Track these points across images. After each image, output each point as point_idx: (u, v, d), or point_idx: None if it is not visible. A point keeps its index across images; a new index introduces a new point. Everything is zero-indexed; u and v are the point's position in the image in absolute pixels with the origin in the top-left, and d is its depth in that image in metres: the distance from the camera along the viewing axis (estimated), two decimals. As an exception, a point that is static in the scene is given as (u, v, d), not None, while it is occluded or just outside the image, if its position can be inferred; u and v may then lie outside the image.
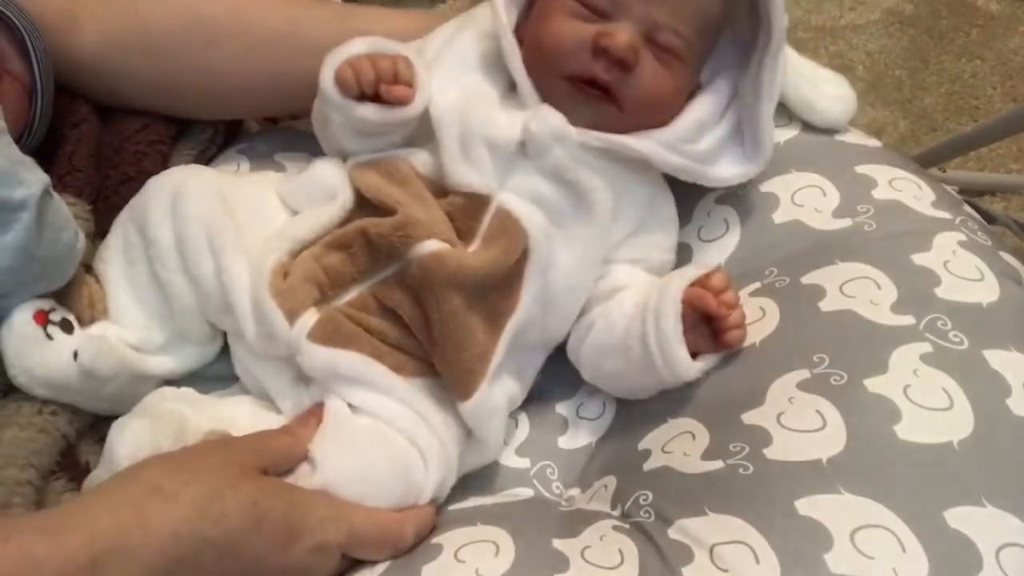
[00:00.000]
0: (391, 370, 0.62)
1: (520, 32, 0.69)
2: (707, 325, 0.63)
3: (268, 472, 0.55)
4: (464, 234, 0.64)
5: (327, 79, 0.64)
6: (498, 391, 0.64)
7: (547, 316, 0.66)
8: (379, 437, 0.60)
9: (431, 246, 0.61)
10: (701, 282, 0.63)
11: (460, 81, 0.68)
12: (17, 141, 0.62)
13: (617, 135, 0.65)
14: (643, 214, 0.69)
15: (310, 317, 0.62)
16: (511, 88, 0.68)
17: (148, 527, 0.48)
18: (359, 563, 0.57)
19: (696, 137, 0.69)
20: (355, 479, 0.57)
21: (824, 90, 0.77)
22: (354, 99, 0.64)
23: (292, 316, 0.62)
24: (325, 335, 0.61)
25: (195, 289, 0.65)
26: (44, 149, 0.73)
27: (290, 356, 0.62)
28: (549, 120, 0.64)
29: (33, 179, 0.59)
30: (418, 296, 0.62)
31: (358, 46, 0.65)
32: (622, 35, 0.63)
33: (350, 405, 0.61)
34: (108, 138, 0.79)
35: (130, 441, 0.57)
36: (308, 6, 0.79)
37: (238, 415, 0.63)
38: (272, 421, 0.63)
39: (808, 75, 0.77)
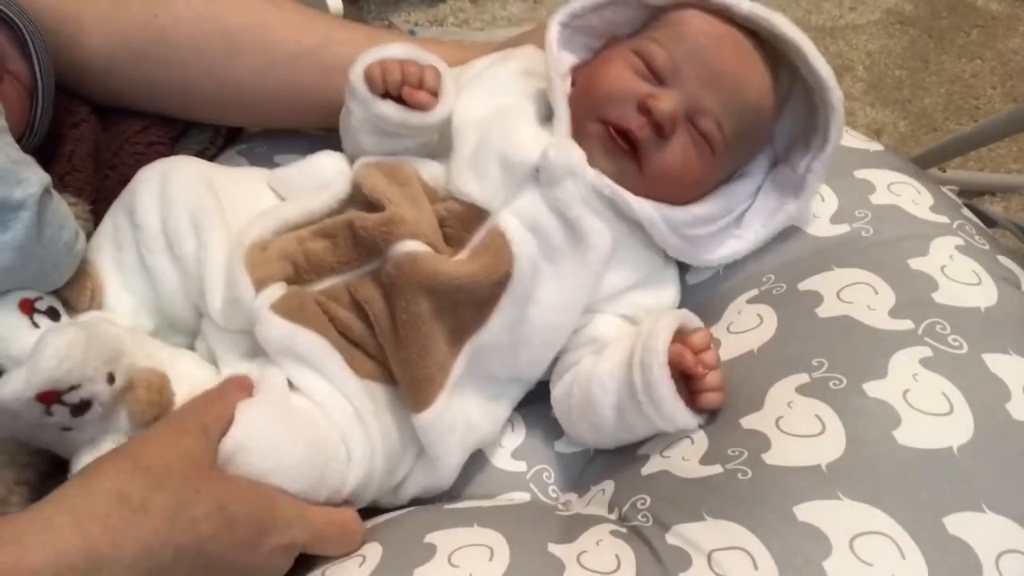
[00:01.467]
0: (345, 363, 0.61)
1: (574, 74, 0.70)
2: (685, 383, 0.61)
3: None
4: (453, 241, 0.64)
5: (357, 73, 0.65)
6: (456, 409, 0.63)
7: (519, 351, 0.66)
8: (308, 419, 0.59)
9: (410, 246, 0.61)
10: (682, 339, 0.62)
11: (493, 101, 0.69)
12: (18, 140, 0.62)
13: (627, 191, 0.65)
14: (642, 275, 0.69)
15: (277, 290, 0.62)
16: (544, 120, 0.68)
17: (119, 543, 0.46)
18: (346, 568, 0.56)
19: (703, 225, 0.69)
20: (268, 449, 0.55)
21: None
22: (378, 96, 0.65)
23: (260, 284, 0.62)
24: (288, 309, 0.61)
25: (179, 271, 0.65)
26: (43, 149, 0.73)
27: (250, 329, 0.62)
28: (570, 153, 0.64)
29: (34, 178, 0.59)
30: (389, 295, 0.61)
31: (394, 50, 0.66)
32: (668, 102, 0.63)
33: (291, 383, 0.60)
34: (107, 139, 0.79)
35: (60, 348, 0.54)
36: (337, 26, 0.79)
37: (177, 363, 0.63)
38: (210, 377, 0.62)
39: None
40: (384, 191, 0.64)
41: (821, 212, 0.70)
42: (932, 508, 0.51)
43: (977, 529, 0.50)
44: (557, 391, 0.68)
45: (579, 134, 0.66)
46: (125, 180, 0.73)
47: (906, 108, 1.59)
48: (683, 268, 0.73)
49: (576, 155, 0.64)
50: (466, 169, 0.65)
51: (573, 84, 0.70)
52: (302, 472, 0.56)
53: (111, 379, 0.56)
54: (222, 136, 0.88)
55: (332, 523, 0.57)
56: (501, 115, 0.67)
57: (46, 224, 0.60)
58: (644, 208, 0.65)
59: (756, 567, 0.50)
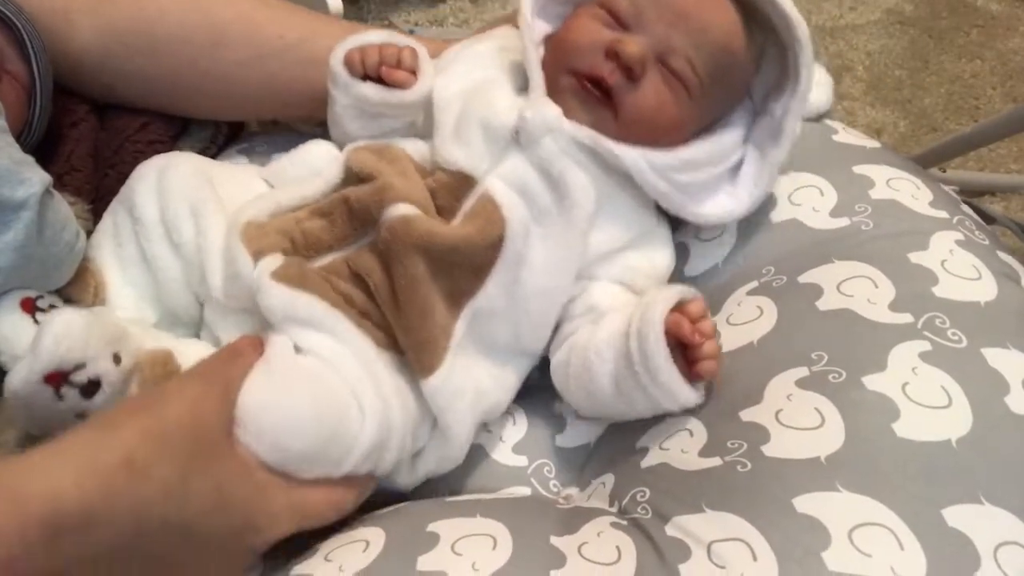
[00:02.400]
0: (352, 323, 0.61)
1: (547, 42, 0.72)
2: (682, 353, 0.61)
3: None
4: (445, 212, 0.65)
5: (337, 58, 0.68)
6: (463, 374, 0.64)
7: (518, 318, 0.66)
8: (317, 375, 0.59)
9: (402, 209, 0.62)
10: (679, 308, 0.61)
11: (471, 76, 0.70)
12: (17, 139, 0.63)
13: (607, 138, 0.65)
14: (632, 235, 0.69)
15: (275, 259, 0.63)
16: (521, 90, 0.69)
17: (112, 505, 0.47)
18: (350, 551, 0.56)
19: (690, 170, 0.68)
20: (272, 409, 0.55)
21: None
22: (358, 78, 0.67)
23: (258, 256, 0.63)
24: (288, 276, 0.61)
25: (179, 259, 0.66)
26: (42, 148, 0.73)
27: (252, 306, 0.62)
28: (545, 110, 0.65)
29: (35, 178, 0.60)
30: (387, 262, 0.62)
31: (372, 36, 0.69)
32: (634, 45, 0.64)
33: (297, 347, 0.60)
34: (107, 138, 0.80)
35: (59, 329, 0.54)
36: (321, 21, 0.81)
37: (183, 349, 0.63)
38: None
39: None
40: (374, 166, 0.65)
41: (821, 206, 0.71)
42: (931, 500, 0.51)
43: (976, 521, 0.51)
44: (555, 359, 0.69)
45: (553, 92, 0.67)
46: (125, 178, 0.73)
47: (906, 108, 1.59)
48: (682, 260, 0.73)
49: (551, 111, 0.65)
50: (450, 139, 0.66)
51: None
52: (315, 429, 0.56)
53: (117, 360, 0.57)
54: (223, 135, 0.88)
55: (327, 505, 0.58)
56: (480, 87, 0.69)
57: (47, 224, 0.61)
58: (628, 153, 0.66)
59: (755, 558, 0.50)
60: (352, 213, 0.64)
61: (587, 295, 0.68)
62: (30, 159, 0.61)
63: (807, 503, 0.52)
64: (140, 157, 0.76)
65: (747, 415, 0.58)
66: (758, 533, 0.51)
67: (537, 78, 0.67)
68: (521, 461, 0.69)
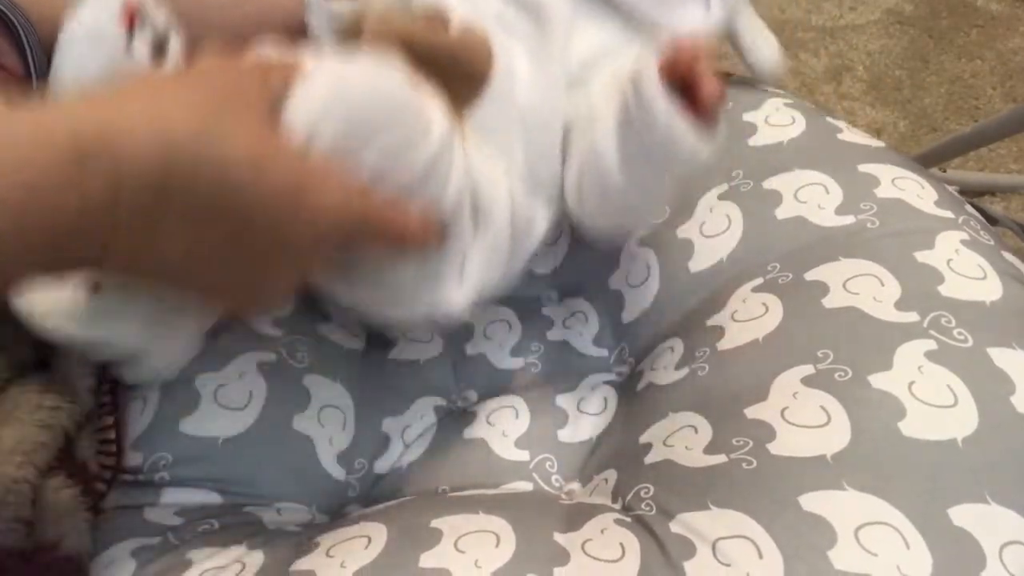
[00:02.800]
0: None
1: None
2: (683, 95, 0.57)
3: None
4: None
5: None
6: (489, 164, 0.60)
7: (527, 143, 0.64)
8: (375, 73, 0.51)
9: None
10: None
11: None
12: None
13: None
14: (611, 39, 0.70)
15: None
16: None
17: (134, 130, 0.40)
18: (352, 547, 0.56)
19: None
20: (327, 92, 0.47)
21: (761, 44, 0.84)
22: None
23: None
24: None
25: None
26: None
27: None
28: None
29: None
30: None
31: None
32: None
33: None
34: None
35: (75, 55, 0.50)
36: None
37: None
38: None
39: (753, 26, 0.84)
40: None
41: (826, 203, 0.70)
42: (937, 499, 0.51)
43: (981, 520, 0.50)
44: (568, 181, 0.67)
45: None
46: None
47: (906, 108, 1.60)
48: (687, 256, 0.73)
49: None
50: None
51: None
52: (375, 98, 0.49)
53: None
54: None
55: (379, 213, 0.49)
56: None
57: None
58: None
59: (761, 556, 0.50)
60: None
61: (584, 104, 0.66)
62: None
63: (813, 501, 0.51)
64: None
65: (752, 412, 0.58)
66: (764, 531, 0.51)
67: None
68: (523, 456, 0.68)
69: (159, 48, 0.48)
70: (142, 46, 0.47)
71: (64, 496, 0.60)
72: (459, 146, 0.55)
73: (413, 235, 0.51)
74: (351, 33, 0.57)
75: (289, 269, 0.48)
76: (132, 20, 0.47)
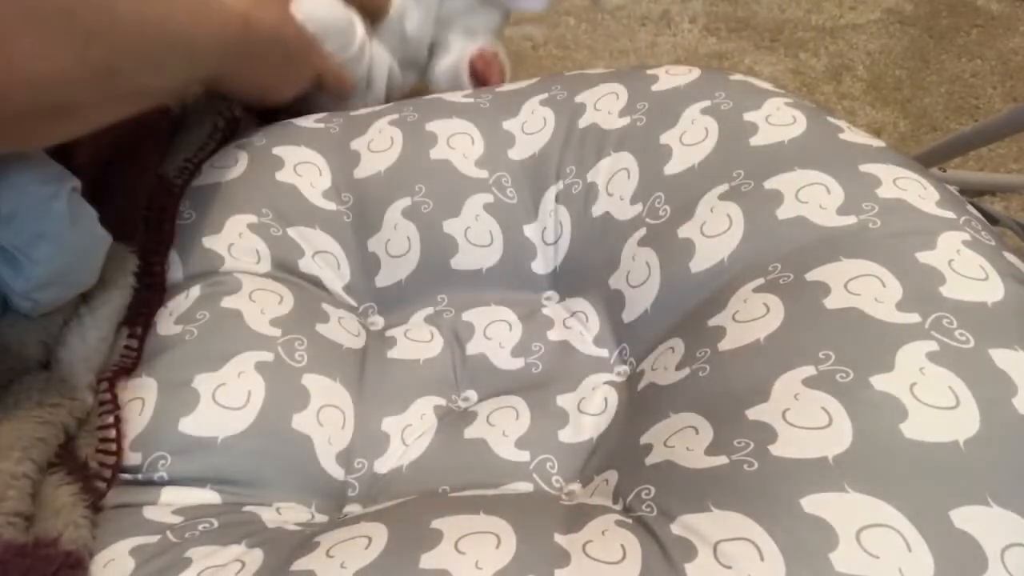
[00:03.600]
0: None
1: None
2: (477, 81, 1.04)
3: None
4: None
5: None
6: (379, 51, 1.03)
7: (405, 49, 1.06)
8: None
9: None
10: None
11: None
12: None
13: None
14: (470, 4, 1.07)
15: None
16: None
17: (263, 16, 0.78)
18: (352, 547, 0.56)
19: None
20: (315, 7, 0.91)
21: None
22: None
23: None
24: None
25: None
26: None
27: None
28: None
29: (64, 175, 0.63)
30: None
31: None
32: None
33: None
34: (102, 136, 0.79)
35: None
36: None
37: None
38: None
39: None
40: None
41: (828, 203, 0.70)
42: (938, 501, 0.51)
43: (983, 523, 0.50)
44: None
45: None
46: (122, 173, 0.78)
47: (906, 108, 1.59)
48: (687, 256, 0.73)
49: None
50: None
51: None
52: (334, 17, 0.94)
53: None
54: (220, 131, 0.89)
55: (332, 73, 0.95)
56: None
57: (78, 218, 0.64)
58: None
59: (762, 558, 0.50)
60: None
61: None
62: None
63: (815, 503, 0.51)
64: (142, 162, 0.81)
65: (754, 414, 0.58)
66: (765, 533, 0.50)
67: None
68: (523, 456, 0.68)
69: None
70: None
71: (64, 492, 0.60)
72: (368, 45, 0.99)
73: (343, 83, 0.98)
74: None
75: (300, 80, 0.91)
76: None
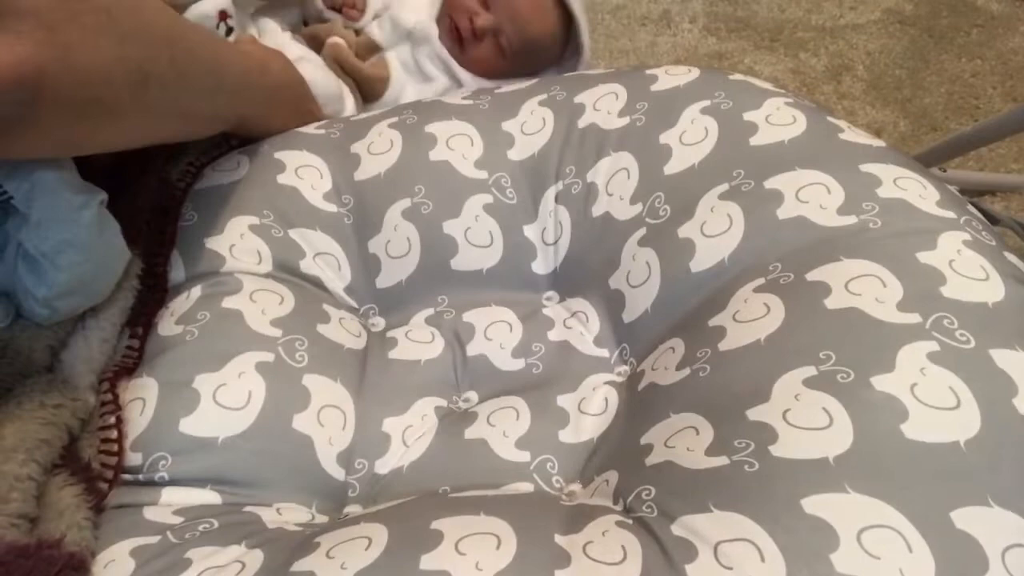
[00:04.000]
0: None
1: None
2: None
3: None
4: (361, 57, 1.11)
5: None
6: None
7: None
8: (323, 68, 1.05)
9: (336, 39, 1.08)
10: None
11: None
12: None
13: (455, 62, 1.11)
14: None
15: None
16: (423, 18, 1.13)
17: (267, 68, 0.88)
18: (352, 548, 0.56)
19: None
20: (317, 75, 1.01)
21: None
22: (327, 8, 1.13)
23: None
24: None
25: None
26: None
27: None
28: (429, 28, 1.11)
29: (92, 187, 0.65)
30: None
31: None
32: (483, 20, 1.09)
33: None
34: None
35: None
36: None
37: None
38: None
39: None
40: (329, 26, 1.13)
41: (828, 203, 0.70)
42: (939, 502, 0.51)
43: (984, 524, 0.50)
44: None
45: (439, 23, 1.12)
46: (129, 184, 0.79)
47: (906, 108, 1.59)
48: (687, 255, 0.73)
49: (432, 30, 1.11)
50: (374, 25, 1.13)
51: None
52: (332, 86, 1.03)
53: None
54: (227, 141, 0.91)
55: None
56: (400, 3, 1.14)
57: (103, 228, 0.67)
58: (464, 75, 1.11)
59: (763, 559, 0.50)
60: (313, 36, 1.10)
61: None
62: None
63: (815, 504, 0.51)
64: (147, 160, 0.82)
65: (754, 414, 0.58)
66: (766, 534, 0.51)
67: (436, 9, 1.12)
68: (524, 457, 0.68)
69: (230, 32, 0.96)
70: (224, 28, 0.94)
71: (67, 494, 0.60)
72: (353, 106, 1.07)
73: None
74: (314, 41, 1.10)
75: (302, 125, 0.95)
76: (224, 17, 0.94)
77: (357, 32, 1.13)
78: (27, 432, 0.60)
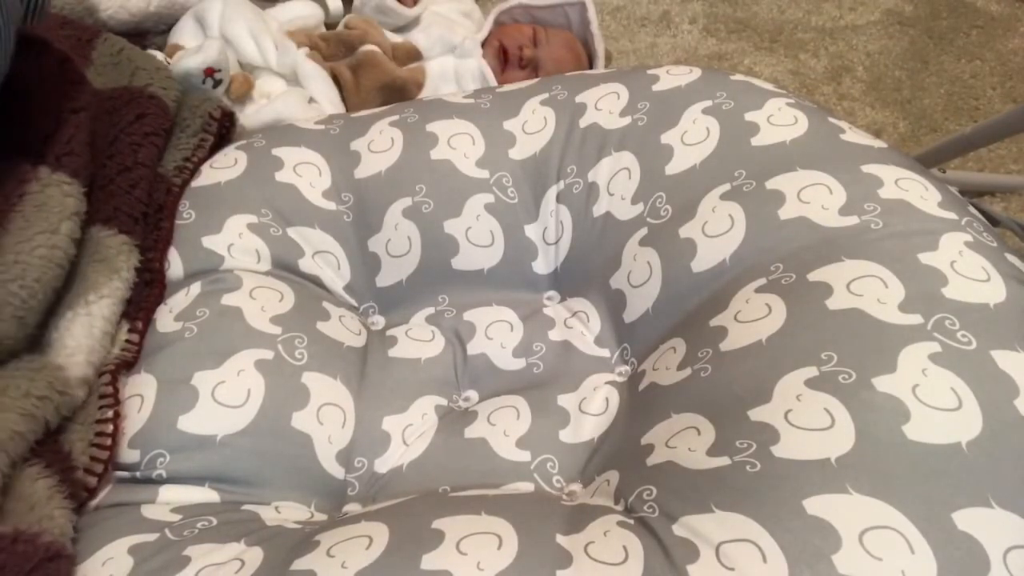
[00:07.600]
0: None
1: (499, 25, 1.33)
2: None
3: None
4: (397, 63, 1.19)
5: None
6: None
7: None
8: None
9: (371, 46, 1.16)
10: None
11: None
12: None
13: (494, 78, 1.22)
14: None
15: (304, 50, 1.13)
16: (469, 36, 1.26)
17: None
18: (353, 547, 0.56)
19: None
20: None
21: None
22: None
23: (299, 46, 1.14)
24: (313, 58, 1.14)
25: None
26: (44, 128, 0.75)
27: (290, 72, 1.12)
28: (476, 45, 1.23)
29: None
30: (356, 74, 1.15)
31: None
32: (530, 52, 1.25)
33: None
34: (103, 128, 0.81)
35: (218, 47, 1.02)
36: None
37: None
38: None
39: None
40: (362, 25, 1.20)
41: (830, 204, 0.70)
42: (941, 503, 0.51)
43: (985, 525, 0.50)
44: None
45: (487, 44, 1.26)
46: (122, 168, 0.79)
47: (906, 108, 1.59)
48: (689, 255, 0.73)
49: (478, 48, 1.23)
50: (418, 31, 1.26)
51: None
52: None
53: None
54: (215, 121, 0.92)
55: None
56: (448, 20, 1.29)
57: None
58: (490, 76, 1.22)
59: (765, 560, 0.49)
60: (340, 39, 1.17)
61: None
62: None
63: (817, 505, 0.51)
64: (137, 149, 0.81)
65: (756, 415, 0.58)
66: (768, 535, 0.50)
67: (485, 31, 1.28)
68: (524, 456, 0.68)
69: (218, 84, 1.03)
70: (210, 82, 1.02)
71: (41, 486, 0.59)
72: None
73: None
74: (343, 46, 1.19)
75: None
76: (210, 72, 1.01)
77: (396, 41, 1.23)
78: (4, 421, 0.59)
